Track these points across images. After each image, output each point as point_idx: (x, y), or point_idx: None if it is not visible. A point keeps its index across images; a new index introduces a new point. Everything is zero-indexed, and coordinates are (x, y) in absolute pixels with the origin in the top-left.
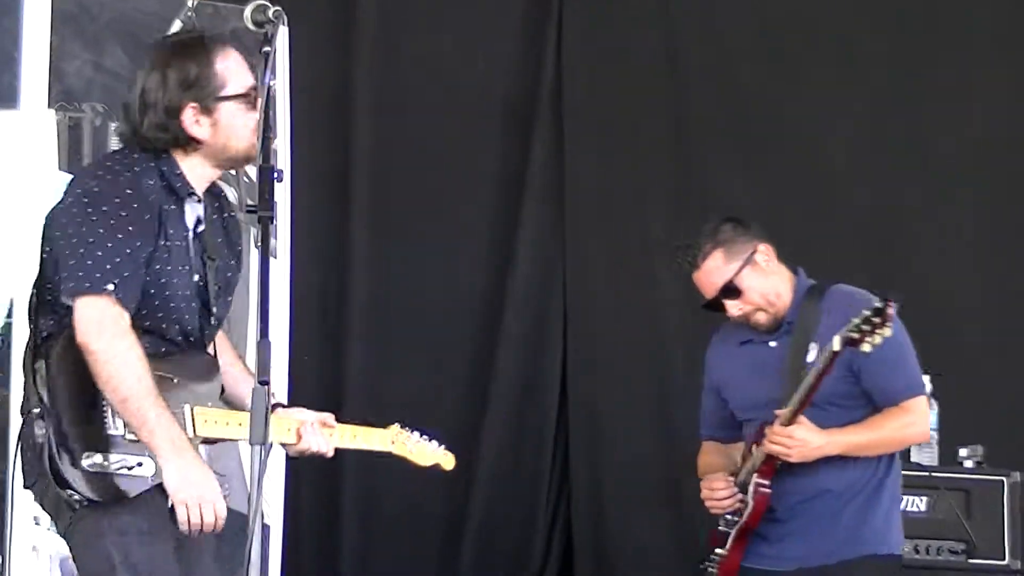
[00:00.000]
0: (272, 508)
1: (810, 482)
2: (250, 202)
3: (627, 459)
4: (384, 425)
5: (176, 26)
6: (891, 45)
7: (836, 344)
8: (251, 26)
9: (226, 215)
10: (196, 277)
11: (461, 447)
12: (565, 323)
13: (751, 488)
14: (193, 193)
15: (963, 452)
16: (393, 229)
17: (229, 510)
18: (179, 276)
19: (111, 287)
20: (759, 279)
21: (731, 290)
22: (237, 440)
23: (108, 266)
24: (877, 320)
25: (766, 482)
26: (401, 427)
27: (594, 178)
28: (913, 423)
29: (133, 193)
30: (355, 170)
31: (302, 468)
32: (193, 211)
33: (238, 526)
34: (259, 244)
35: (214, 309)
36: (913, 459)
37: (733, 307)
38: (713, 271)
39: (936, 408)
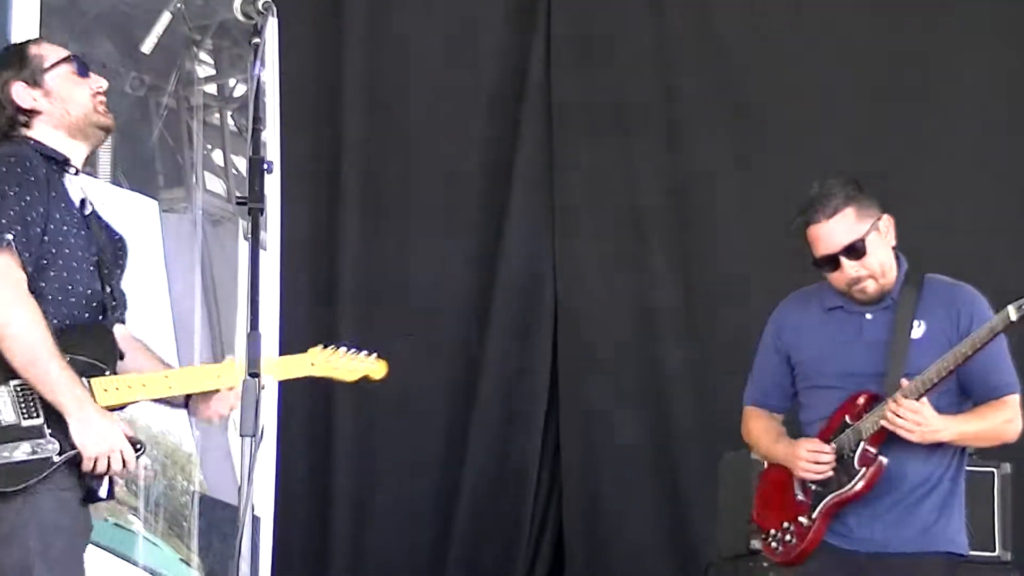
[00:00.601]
0: (262, 500)
1: (896, 466)
2: (239, 194)
3: (620, 453)
4: (303, 350)
5: (165, 19)
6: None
7: (1013, 314)
8: (240, 17)
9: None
10: (94, 250)
11: (451, 438)
12: (556, 314)
13: (858, 456)
14: (67, 161)
15: None
16: (383, 220)
17: (219, 502)
18: (77, 241)
19: (9, 237)
20: (881, 246)
21: (855, 250)
22: (139, 401)
23: (3, 220)
24: None
25: (876, 452)
26: (324, 347)
27: (583, 169)
28: (1013, 419)
29: (18, 159)
30: (345, 162)
31: (293, 460)
32: (76, 186)
33: (228, 517)
34: (249, 236)
35: (112, 283)
36: None
37: (851, 268)
38: (842, 226)
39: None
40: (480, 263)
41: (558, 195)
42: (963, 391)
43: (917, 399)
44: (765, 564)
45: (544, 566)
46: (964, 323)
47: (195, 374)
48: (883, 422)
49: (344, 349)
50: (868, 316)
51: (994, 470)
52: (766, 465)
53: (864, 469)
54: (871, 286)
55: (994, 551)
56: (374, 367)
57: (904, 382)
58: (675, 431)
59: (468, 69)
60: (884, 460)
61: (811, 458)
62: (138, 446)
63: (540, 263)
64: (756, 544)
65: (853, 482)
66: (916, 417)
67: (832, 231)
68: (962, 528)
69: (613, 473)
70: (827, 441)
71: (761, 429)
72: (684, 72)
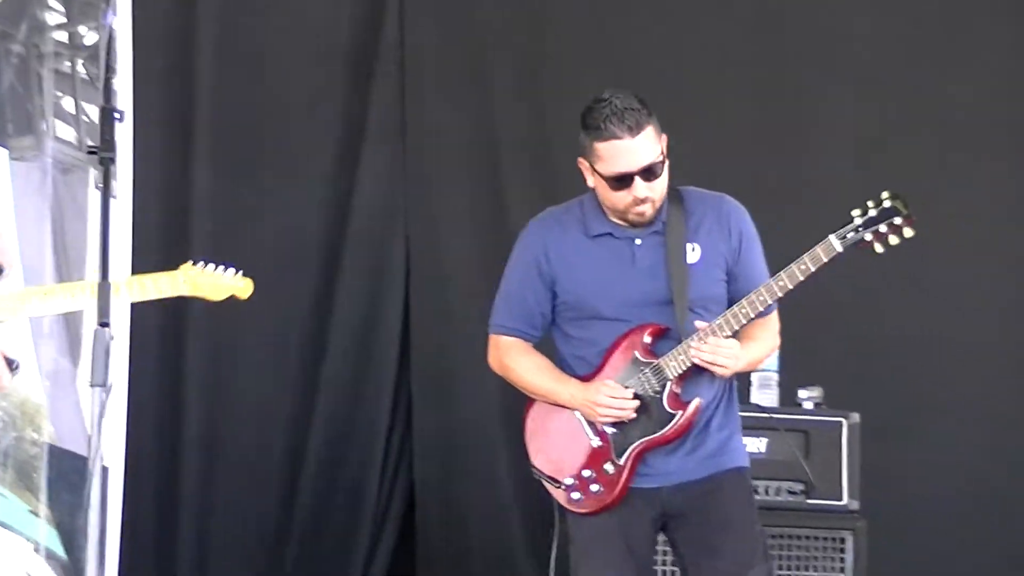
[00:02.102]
0: (112, 450)
1: (692, 394)
2: (91, 143)
3: (475, 406)
4: (175, 267)
5: None
6: None
7: (837, 245)
8: None
9: None
10: None
11: (301, 389)
12: (408, 267)
13: (667, 398)
14: None
15: (802, 394)
16: (235, 171)
17: (68, 453)
18: None
19: None
20: (666, 169)
21: (652, 171)
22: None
23: None
24: (899, 221)
25: (680, 391)
26: (193, 264)
27: (438, 120)
28: (777, 334)
29: None
30: (198, 111)
31: (142, 409)
32: None
33: (77, 468)
34: (100, 185)
35: None
36: (753, 400)
37: (643, 188)
38: (645, 144)
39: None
40: (333, 214)
41: (411, 146)
42: (729, 304)
43: (731, 335)
44: None
45: (396, 519)
46: (735, 240)
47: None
48: (699, 362)
49: (212, 266)
50: (638, 241)
51: (842, 420)
52: (534, 405)
53: (680, 412)
54: (650, 210)
55: (841, 500)
56: (241, 285)
57: (700, 324)
58: None
59: (323, 18)
60: (700, 401)
61: (614, 404)
62: (13, 363)
63: (393, 215)
64: (552, 490)
65: (670, 426)
66: (731, 353)
67: (635, 148)
68: (742, 441)
69: (467, 426)
70: (616, 379)
71: (532, 366)
72: (546, 22)
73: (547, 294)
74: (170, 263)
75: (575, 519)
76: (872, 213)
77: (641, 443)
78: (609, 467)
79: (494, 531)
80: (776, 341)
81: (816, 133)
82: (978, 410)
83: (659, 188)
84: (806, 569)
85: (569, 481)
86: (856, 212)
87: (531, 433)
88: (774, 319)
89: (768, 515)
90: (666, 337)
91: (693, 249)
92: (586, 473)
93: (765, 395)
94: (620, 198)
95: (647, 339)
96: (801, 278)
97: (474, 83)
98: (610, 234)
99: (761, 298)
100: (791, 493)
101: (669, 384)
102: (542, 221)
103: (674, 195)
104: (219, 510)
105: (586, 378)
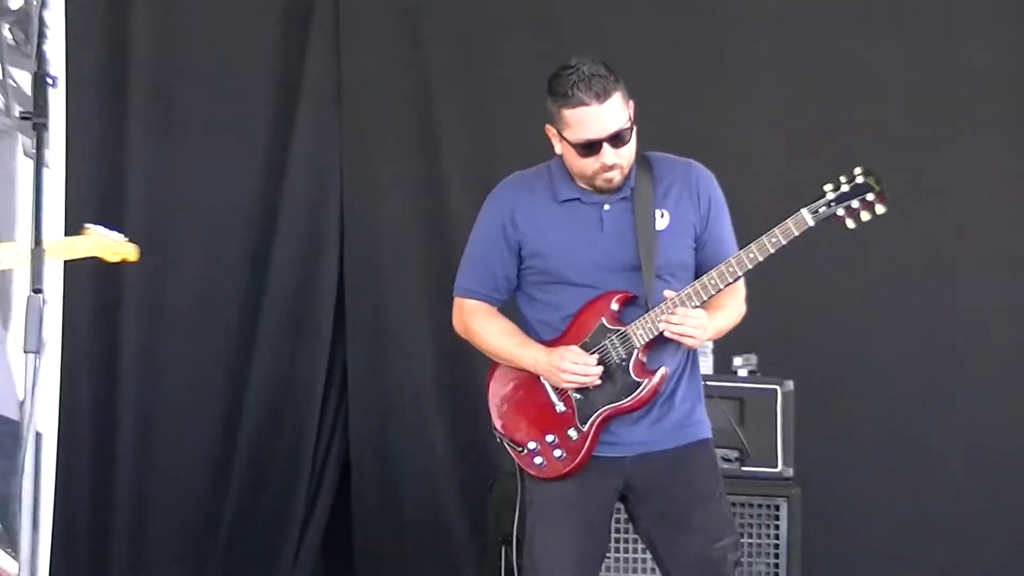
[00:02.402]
0: (45, 416)
1: (657, 363)
2: (21, 109)
3: (408, 371)
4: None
5: None
6: None
7: (809, 219)
8: None
9: None
10: None
11: (237, 351)
12: (342, 229)
13: (634, 366)
14: None
15: (737, 361)
16: (170, 133)
17: (1, 418)
18: None
19: None
20: (634, 135)
21: (620, 137)
22: None
23: None
24: (871, 197)
25: (646, 360)
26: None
27: (374, 83)
28: (743, 302)
29: None
30: (132, 74)
31: (77, 374)
32: None
33: (10, 432)
34: (32, 152)
35: None
36: None
37: (611, 155)
38: (613, 110)
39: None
40: (268, 177)
41: (347, 106)
42: (697, 272)
43: (699, 306)
44: None
45: (332, 481)
46: (704, 207)
47: None
48: (667, 332)
49: (103, 228)
50: (606, 207)
51: (777, 387)
52: (498, 368)
53: (646, 381)
54: (618, 176)
55: (776, 467)
56: (129, 249)
57: (668, 293)
58: (468, 348)
59: None
60: (665, 370)
61: (579, 370)
62: None
63: (328, 178)
64: (514, 454)
65: (636, 394)
66: (700, 323)
67: (604, 114)
68: (704, 412)
69: (402, 389)
70: (580, 344)
71: (497, 330)
72: None
73: (512, 258)
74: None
75: (536, 484)
76: (844, 188)
77: (605, 410)
78: (573, 433)
79: (428, 491)
80: (742, 309)
81: (748, 106)
82: (911, 374)
83: (627, 154)
84: (741, 536)
85: (532, 445)
86: (828, 187)
87: (494, 396)
88: (740, 287)
89: None
90: (633, 304)
91: (662, 215)
92: (549, 438)
93: (700, 362)
94: (588, 164)
95: (614, 306)
96: (771, 250)
97: (410, 43)
98: (578, 199)
99: (731, 269)
100: (726, 460)
101: (635, 352)
102: (509, 185)
103: (642, 161)
104: (156, 474)
105: (551, 343)
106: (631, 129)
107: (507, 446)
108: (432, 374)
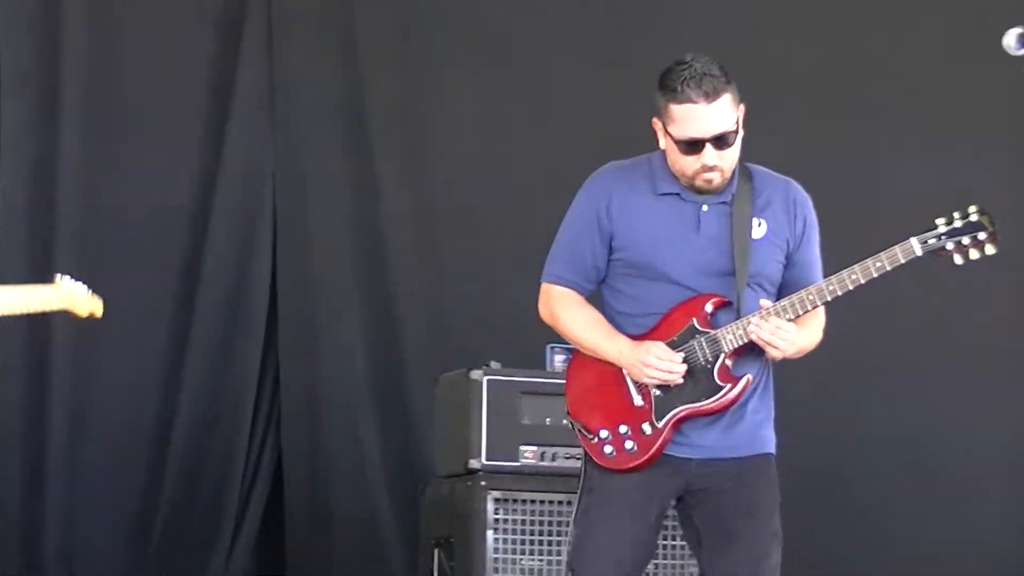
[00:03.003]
0: None
1: (741, 371)
2: None
3: (340, 373)
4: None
5: None
6: None
7: (918, 248)
8: None
9: None
10: None
11: (171, 353)
12: (275, 233)
13: (718, 370)
14: None
15: None
16: (103, 135)
17: None
18: None
19: None
20: (740, 139)
21: (724, 139)
22: None
23: None
24: (983, 236)
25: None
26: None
27: (306, 85)
28: (822, 329)
29: None
30: (65, 76)
31: (7, 379)
32: None
33: None
34: None
35: None
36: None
37: (712, 156)
38: (720, 111)
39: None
40: (201, 181)
41: (279, 114)
42: (780, 289)
43: (792, 319)
44: (483, 483)
45: (265, 485)
46: (799, 226)
47: None
48: (756, 337)
49: (71, 280)
50: (705, 208)
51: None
52: (578, 356)
53: (729, 386)
54: (718, 178)
55: None
56: (97, 305)
57: (764, 302)
58: (401, 351)
59: None
60: (750, 377)
61: (663, 366)
62: None
63: (260, 182)
64: (584, 441)
65: (716, 397)
66: (789, 337)
67: (711, 114)
68: (772, 429)
69: (333, 391)
70: (667, 342)
71: (584, 320)
72: None
73: (604, 249)
74: (36, 236)
75: (599, 473)
76: (957, 224)
77: (684, 409)
78: (647, 428)
79: (361, 494)
80: (820, 335)
81: None
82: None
83: (729, 158)
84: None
85: (604, 434)
86: (941, 220)
87: (573, 382)
88: (822, 313)
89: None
90: (725, 310)
91: (759, 224)
92: (623, 429)
93: None
94: (689, 163)
95: (708, 308)
96: (875, 274)
97: (343, 49)
98: (678, 195)
99: (831, 287)
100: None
101: (722, 356)
102: (608, 172)
103: (743, 170)
104: (88, 477)
105: (637, 338)
106: (736, 132)
107: (577, 432)
108: (364, 377)
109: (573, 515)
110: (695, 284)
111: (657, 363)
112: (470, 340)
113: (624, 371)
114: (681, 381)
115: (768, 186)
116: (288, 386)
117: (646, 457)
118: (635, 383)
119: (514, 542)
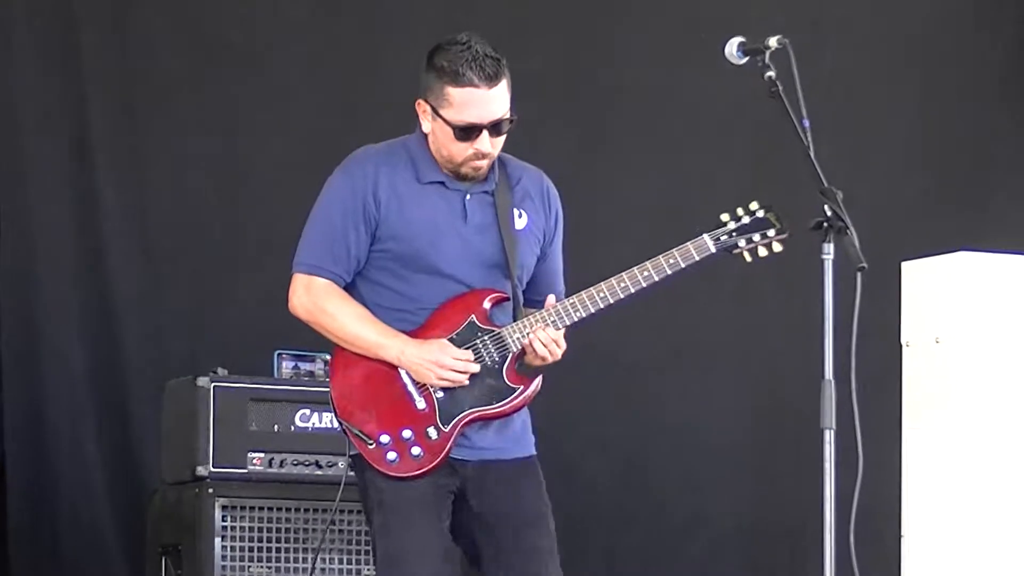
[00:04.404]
0: None
1: (526, 369)
2: None
3: (61, 376)
4: None
5: None
6: None
7: (711, 246)
8: None
9: None
10: None
11: None
12: None
13: (507, 371)
14: None
15: None
16: None
17: None
18: None
19: None
20: (510, 127)
21: (499, 127)
22: None
23: None
24: (772, 233)
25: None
26: None
27: (28, 92)
28: None
29: None
30: None
31: None
32: None
33: None
34: None
35: None
36: None
37: (486, 143)
38: (502, 95)
39: None
40: None
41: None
42: (529, 284)
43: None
44: (211, 490)
45: None
46: (552, 220)
47: None
48: (536, 344)
49: None
50: (468, 197)
51: None
52: (341, 355)
53: (521, 387)
54: (486, 166)
55: None
56: None
57: (551, 300)
58: (123, 357)
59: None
60: (540, 377)
61: (459, 367)
62: None
63: None
64: (361, 446)
65: (508, 400)
66: (560, 352)
67: (492, 99)
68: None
69: (55, 395)
70: (447, 340)
71: (354, 315)
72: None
73: (367, 238)
74: None
75: (387, 481)
76: (745, 220)
77: (473, 412)
78: (433, 432)
79: (82, 496)
80: None
81: None
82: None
83: (499, 146)
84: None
85: (384, 439)
86: (725, 216)
87: (338, 384)
88: None
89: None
90: (502, 306)
91: (520, 215)
92: (406, 434)
93: None
94: (460, 149)
95: (487, 304)
96: (668, 272)
97: (65, 52)
98: (442, 183)
99: (623, 285)
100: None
101: (510, 356)
102: (367, 157)
103: (499, 160)
104: None
105: (409, 335)
106: (511, 120)
107: (353, 436)
108: (83, 378)
109: (372, 531)
110: (466, 277)
111: (453, 363)
112: (196, 346)
113: (401, 371)
114: (467, 383)
115: (523, 176)
116: (9, 390)
117: (434, 463)
118: (415, 384)
119: (242, 549)
